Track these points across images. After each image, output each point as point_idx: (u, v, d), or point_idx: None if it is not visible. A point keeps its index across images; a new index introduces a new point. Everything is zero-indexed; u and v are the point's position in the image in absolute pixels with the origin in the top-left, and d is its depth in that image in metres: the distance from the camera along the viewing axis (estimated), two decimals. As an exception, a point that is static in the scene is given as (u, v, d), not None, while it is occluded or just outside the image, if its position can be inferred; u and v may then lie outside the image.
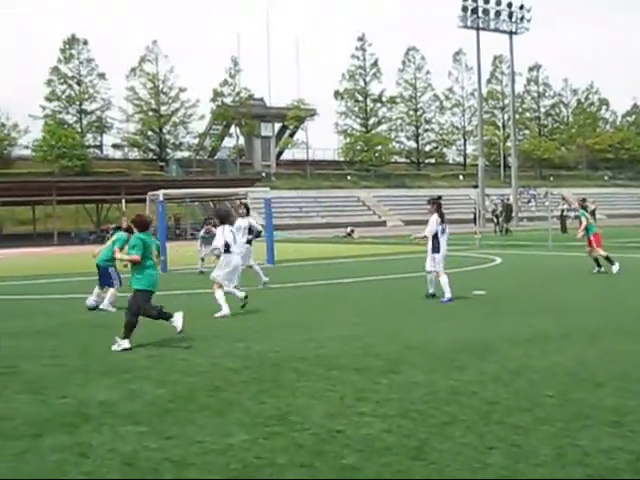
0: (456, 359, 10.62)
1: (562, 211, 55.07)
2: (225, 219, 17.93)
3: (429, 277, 18.46)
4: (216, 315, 16.14)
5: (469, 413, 7.85)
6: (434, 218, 18.23)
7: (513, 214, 63.49)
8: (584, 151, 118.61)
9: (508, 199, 65.18)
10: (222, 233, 17.22)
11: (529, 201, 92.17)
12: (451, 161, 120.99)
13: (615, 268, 23.35)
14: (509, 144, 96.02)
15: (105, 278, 18.68)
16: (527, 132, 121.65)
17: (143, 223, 13.60)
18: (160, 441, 7.24)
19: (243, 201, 26.60)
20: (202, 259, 28.61)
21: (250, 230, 22.32)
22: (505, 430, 7.26)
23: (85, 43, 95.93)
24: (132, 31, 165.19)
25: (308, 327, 14.03)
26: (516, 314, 15.06)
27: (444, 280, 17.93)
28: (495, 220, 58.41)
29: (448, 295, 17.59)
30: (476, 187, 63.20)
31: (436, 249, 18.22)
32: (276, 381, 9.61)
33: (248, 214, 22.81)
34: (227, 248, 17.26)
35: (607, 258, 23.82)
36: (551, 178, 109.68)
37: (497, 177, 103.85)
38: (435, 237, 18.28)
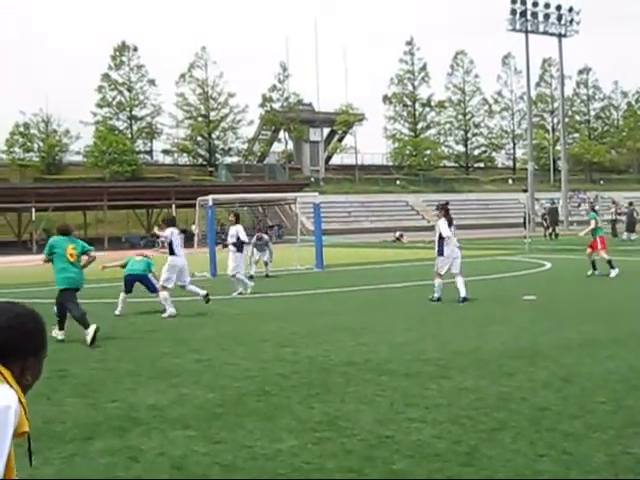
0: (505, 365, 10.55)
1: (612, 214, 54.45)
2: (172, 223, 19.63)
3: (458, 280, 19.19)
4: (163, 315, 17.32)
5: (519, 419, 7.79)
6: (442, 221, 19.16)
7: (562, 218, 62.90)
8: (635, 155, 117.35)
9: (553, 203, 64.56)
10: (171, 236, 18.71)
11: (579, 205, 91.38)
12: (500, 165, 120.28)
13: (614, 273, 23.83)
14: (559, 148, 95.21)
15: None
16: (577, 135, 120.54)
17: (61, 228, 15.62)
18: (209, 445, 7.26)
19: (233, 210, 27.61)
20: (256, 262, 28.95)
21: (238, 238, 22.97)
22: (556, 437, 7.19)
23: (135, 50, 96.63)
24: (181, 37, 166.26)
25: (357, 332, 14.01)
26: (567, 320, 14.93)
27: (438, 282, 19.11)
28: (545, 224, 57.98)
29: (437, 295, 19.01)
30: (525, 191, 62.56)
31: (441, 252, 19.21)
32: (325, 386, 9.60)
33: (237, 222, 23.55)
34: (172, 251, 18.82)
35: (609, 262, 24.22)
36: (601, 182, 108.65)
37: (547, 181, 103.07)
38: (441, 241, 19.17)
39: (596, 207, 26.85)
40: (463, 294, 18.81)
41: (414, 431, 7.52)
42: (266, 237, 30.59)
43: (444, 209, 19.41)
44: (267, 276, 28.79)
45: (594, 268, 24.48)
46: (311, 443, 7.24)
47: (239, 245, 22.94)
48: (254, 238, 29.90)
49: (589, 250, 25.14)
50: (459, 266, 19.27)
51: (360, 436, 7.40)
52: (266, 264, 29.33)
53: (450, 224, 19.18)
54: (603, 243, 24.91)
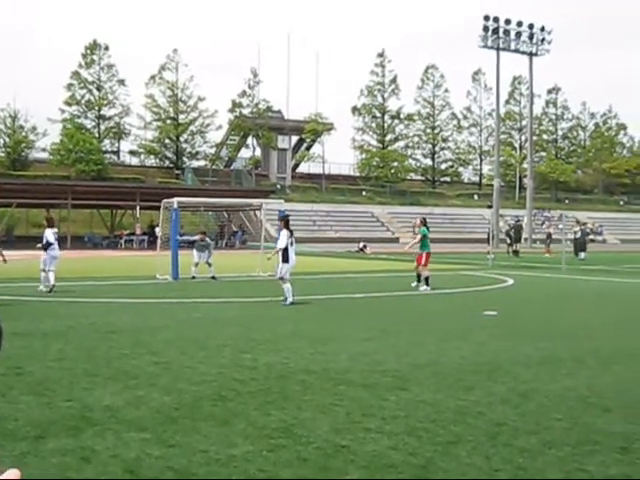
0: (464, 379, 10.57)
1: (575, 234, 54.90)
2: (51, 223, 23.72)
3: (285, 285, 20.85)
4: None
5: (475, 433, 7.80)
6: (284, 232, 21.06)
7: (526, 236, 63.29)
8: (600, 175, 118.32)
9: (518, 220, 65.00)
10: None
11: (543, 223, 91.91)
12: (466, 180, 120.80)
13: (425, 289, 25.14)
14: (525, 165, 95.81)
15: None
16: (544, 154, 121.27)
17: None
18: (163, 449, 7.20)
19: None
20: (196, 264, 29.89)
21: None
22: (512, 452, 7.20)
23: (106, 49, 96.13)
24: (153, 39, 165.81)
25: (317, 341, 13.98)
26: (527, 336, 14.97)
27: (287, 286, 20.70)
28: (508, 241, 58.29)
29: (290, 299, 20.50)
30: (490, 207, 63.01)
31: (285, 259, 20.98)
32: (282, 393, 9.57)
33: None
34: (48, 245, 23.82)
35: (426, 279, 25.50)
36: (566, 201, 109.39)
37: (512, 198, 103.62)
38: (285, 249, 20.93)
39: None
40: (290, 301, 20.53)
41: (370, 441, 7.50)
42: (209, 240, 31.33)
43: (285, 221, 21.57)
44: (213, 278, 29.26)
45: (418, 280, 25.76)
46: (266, 450, 7.20)
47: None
48: (196, 237, 30.87)
49: (416, 264, 26.24)
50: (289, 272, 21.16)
51: (316, 445, 7.37)
52: (209, 265, 29.96)
53: (291, 234, 21.18)
54: (427, 259, 25.96)
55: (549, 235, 58.52)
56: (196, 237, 31.53)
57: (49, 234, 24.50)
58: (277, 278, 21.41)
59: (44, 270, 23.80)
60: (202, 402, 9.05)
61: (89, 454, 7.03)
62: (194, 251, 30.67)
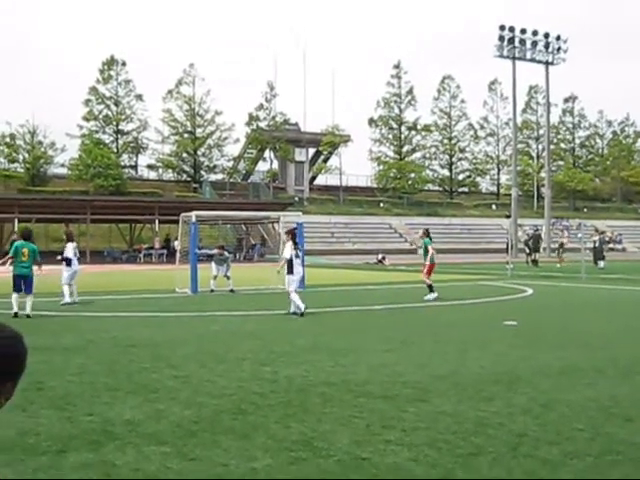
0: (485, 390, 10.53)
1: (594, 242, 54.68)
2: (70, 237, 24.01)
3: (292, 296, 21.13)
4: None
5: (496, 445, 7.76)
6: (289, 245, 21.69)
7: (545, 245, 63.11)
8: (618, 183, 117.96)
9: (537, 229, 64.82)
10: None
11: (562, 232, 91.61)
12: (484, 190, 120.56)
13: (431, 296, 25.50)
14: (543, 174, 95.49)
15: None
16: (561, 163, 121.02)
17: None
18: (184, 462, 7.21)
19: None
20: (214, 277, 30.15)
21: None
22: (533, 463, 7.17)
23: (124, 64, 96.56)
24: (170, 53, 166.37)
25: (336, 353, 13.97)
26: (548, 346, 14.93)
27: (294, 296, 21.02)
28: (527, 250, 58.10)
29: (302, 307, 20.69)
30: (509, 217, 62.81)
31: (290, 271, 21.47)
32: (302, 406, 9.56)
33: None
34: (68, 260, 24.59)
35: (430, 286, 26.00)
36: (584, 210, 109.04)
37: (530, 207, 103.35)
38: (290, 261, 21.45)
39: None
40: (302, 308, 20.71)
41: (390, 454, 7.48)
42: (227, 253, 31.40)
43: (291, 233, 22.33)
44: (232, 291, 29.35)
45: (431, 291, 25.85)
46: (287, 463, 7.19)
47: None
48: (215, 251, 30.96)
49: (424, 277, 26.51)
50: (297, 284, 21.64)
51: (336, 457, 7.36)
52: (228, 278, 30.06)
53: (296, 246, 21.67)
54: (431, 269, 26.50)
55: (561, 244, 58.31)
56: (215, 251, 31.60)
57: (69, 249, 25.06)
58: (289, 290, 21.48)
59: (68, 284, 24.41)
60: (222, 416, 9.06)
61: (110, 468, 7.05)
62: (212, 264, 30.75)
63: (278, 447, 7.70)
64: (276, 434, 8.20)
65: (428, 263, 26.43)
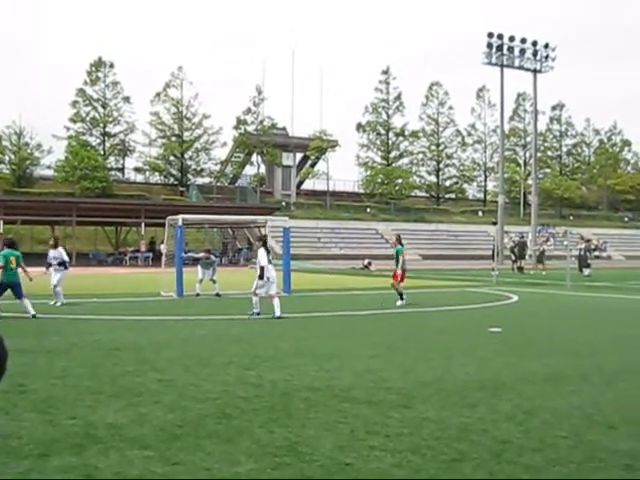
0: (469, 396, 10.54)
1: (580, 250, 54.82)
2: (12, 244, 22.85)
3: (255, 299, 22.26)
4: None
5: (480, 451, 7.77)
6: (262, 251, 22.27)
7: (531, 252, 63.23)
8: (605, 192, 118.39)
9: (522, 237, 64.99)
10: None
11: (548, 239, 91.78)
12: (471, 197, 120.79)
13: (400, 302, 25.93)
14: (530, 182, 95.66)
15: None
16: (548, 171, 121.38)
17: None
18: (167, 467, 7.18)
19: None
20: (200, 281, 29.64)
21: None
22: (516, 470, 7.18)
23: (111, 66, 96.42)
24: (158, 56, 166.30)
25: (321, 358, 13.96)
26: (532, 353, 14.95)
27: (255, 299, 22.12)
28: (512, 257, 58.23)
29: (256, 310, 21.95)
30: (495, 224, 62.98)
31: (261, 276, 22.07)
32: (287, 411, 9.54)
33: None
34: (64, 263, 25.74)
35: (400, 294, 26.31)
36: (571, 217, 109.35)
37: (516, 214, 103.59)
38: (262, 267, 22.08)
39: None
40: (278, 313, 21.43)
41: (374, 459, 7.48)
42: (213, 257, 31.29)
43: (263, 240, 22.97)
44: (218, 295, 29.47)
45: (401, 298, 26.22)
46: (270, 468, 7.18)
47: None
48: (201, 255, 30.85)
49: (392, 281, 27.13)
50: (275, 288, 22.48)
51: (320, 462, 7.34)
52: (214, 282, 30.16)
53: (268, 252, 22.38)
54: (402, 276, 26.83)
55: (542, 252, 58.38)
56: (201, 254, 31.54)
57: (63, 252, 26.39)
58: (272, 293, 22.30)
59: (54, 286, 25.13)
60: (206, 420, 9.03)
61: (93, 472, 7.02)
62: (199, 268, 30.69)
63: (262, 452, 7.68)
64: (260, 439, 8.18)
65: (400, 270, 26.69)
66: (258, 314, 21.81)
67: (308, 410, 9.60)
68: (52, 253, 26.11)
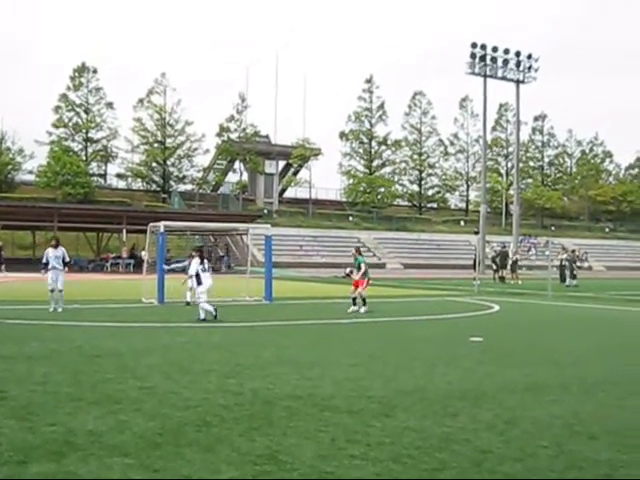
0: (450, 405, 10.54)
1: (561, 261, 54.97)
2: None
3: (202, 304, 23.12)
4: None
5: (461, 461, 7.76)
6: (196, 261, 23.80)
7: (509, 262, 63.43)
8: (586, 202, 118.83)
9: (504, 246, 65.12)
10: None
11: (529, 249, 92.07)
12: (453, 206, 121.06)
13: (363, 309, 26.30)
14: (512, 192, 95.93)
15: None
16: (530, 181, 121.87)
17: None
18: (147, 474, 7.15)
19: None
20: (190, 288, 29.21)
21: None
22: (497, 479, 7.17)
23: (95, 72, 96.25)
24: (142, 62, 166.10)
25: (303, 366, 13.94)
26: (513, 362, 14.97)
27: (204, 305, 23.00)
28: (494, 267, 58.31)
29: (202, 316, 22.71)
30: (477, 233, 63.05)
31: (199, 282, 23.44)
32: (267, 419, 9.52)
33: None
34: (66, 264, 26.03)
35: (363, 299, 26.78)
36: (552, 228, 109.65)
37: (498, 224, 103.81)
38: (198, 275, 23.49)
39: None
40: (213, 310, 22.80)
41: (355, 468, 7.46)
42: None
43: (199, 251, 24.63)
44: (188, 304, 28.81)
45: (354, 304, 26.85)
46: (251, 476, 7.16)
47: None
48: (187, 264, 30.27)
49: (353, 288, 27.48)
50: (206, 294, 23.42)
51: (300, 471, 7.32)
52: (190, 289, 29.31)
53: (202, 262, 23.77)
54: (367, 284, 27.45)
55: (515, 261, 58.45)
56: (186, 262, 30.98)
57: (65, 253, 26.51)
58: (196, 299, 23.82)
59: (60, 290, 25.16)
60: (186, 428, 9.00)
61: (72, 479, 6.97)
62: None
63: (242, 460, 7.65)
64: (240, 447, 8.15)
65: (365, 279, 27.26)
66: (204, 320, 22.55)
67: (289, 418, 9.57)
68: (53, 252, 25.85)
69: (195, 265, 23.65)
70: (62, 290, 24.91)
